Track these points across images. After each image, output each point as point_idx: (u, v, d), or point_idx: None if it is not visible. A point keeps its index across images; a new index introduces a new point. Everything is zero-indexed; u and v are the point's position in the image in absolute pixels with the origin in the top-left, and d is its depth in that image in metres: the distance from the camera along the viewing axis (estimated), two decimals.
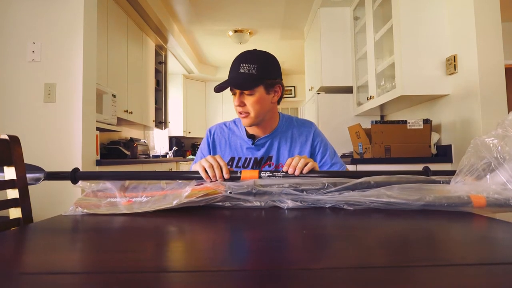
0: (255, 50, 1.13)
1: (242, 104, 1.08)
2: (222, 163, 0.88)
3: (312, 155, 1.20)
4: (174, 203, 0.75)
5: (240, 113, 1.10)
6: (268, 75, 1.08)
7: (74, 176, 0.90)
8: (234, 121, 1.26)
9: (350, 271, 0.39)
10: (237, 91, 1.08)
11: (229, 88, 1.08)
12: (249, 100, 1.07)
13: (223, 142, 1.22)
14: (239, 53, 1.11)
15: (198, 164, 0.89)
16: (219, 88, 1.06)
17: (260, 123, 1.14)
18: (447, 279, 0.36)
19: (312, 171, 0.89)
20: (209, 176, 0.86)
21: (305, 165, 0.89)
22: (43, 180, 0.89)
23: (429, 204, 0.70)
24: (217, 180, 0.85)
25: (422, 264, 0.40)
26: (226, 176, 0.86)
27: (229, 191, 0.79)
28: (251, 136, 1.18)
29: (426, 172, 0.87)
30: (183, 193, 0.77)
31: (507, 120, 0.72)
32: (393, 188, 0.75)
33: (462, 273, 0.38)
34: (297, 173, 0.88)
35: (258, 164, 1.16)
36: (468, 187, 0.71)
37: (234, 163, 1.17)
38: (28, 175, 0.86)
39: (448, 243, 0.52)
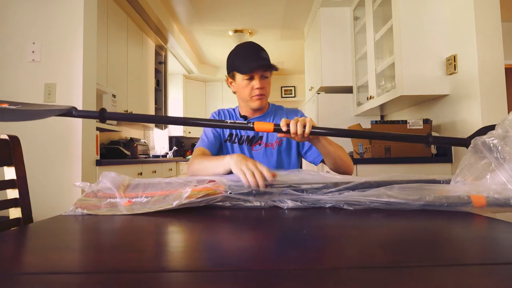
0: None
1: (264, 86, 1.22)
2: (264, 170, 0.81)
3: None
4: (174, 204, 0.75)
5: (261, 94, 1.22)
6: None
7: (103, 115, 0.94)
8: (232, 108, 1.40)
9: (350, 271, 0.39)
10: (257, 76, 1.20)
11: (235, 75, 1.23)
12: (266, 83, 1.22)
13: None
14: (244, 42, 1.26)
15: (238, 168, 0.84)
16: (257, 66, 1.17)
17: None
18: (447, 279, 0.36)
19: (313, 128, 0.94)
20: (248, 181, 0.80)
21: (304, 126, 0.94)
22: (73, 116, 0.92)
23: (429, 204, 0.70)
24: (258, 187, 0.80)
25: (422, 264, 0.40)
26: (270, 180, 0.80)
27: (229, 191, 0.79)
28: (243, 117, 1.32)
29: (427, 137, 0.90)
30: (183, 194, 0.77)
31: (507, 120, 0.72)
32: (393, 188, 0.75)
33: (462, 273, 0.38)
34: (300, 132, 0.92)
35: (250, 141, 1.28)
36: (468, 187, 0.71)
37: (232, 138, 1.30)
38: (59, 108, 0.91)
39: (448, 243, 0.52)
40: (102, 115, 0.94)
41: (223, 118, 1.35)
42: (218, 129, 1.33)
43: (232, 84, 1.29)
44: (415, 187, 0.74)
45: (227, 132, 1.31)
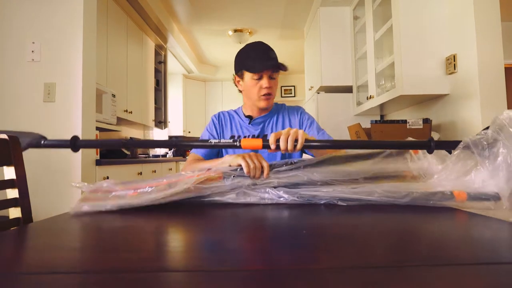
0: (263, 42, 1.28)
1: (271, 86, 1.23)
2: (265, 165, 0.88)
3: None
4: (184, 187, 0.79)
5: (269, 94, 1.23)
6: None
7: (74, 143, 0.87)
8: (233, 110, 1.39)
9: (350, 271, 0.39)
10: (265, 75, 1.21)
11: (243, 74, 1.24)
12: (273, 83, 1.23)
13: (226, 124, 1.35)
14: (253, 42, 1.26)
15: (241, 158, 0.90)
16: (267, 66, 1.18)
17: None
18: (447, 279, 0.36)
19: (306, 141, 0.87)
20: (249, 172, 0.87)
21: (295, 139, 0.85)
22: (42, 147, 0.85)
23: (415, 199, 0.75)
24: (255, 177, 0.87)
25: (422, 264, 0.40)
26: (265, 176, 0.86)
27: (232, 175, 0.85)
28: (248, 117, 1.32)
29: (429, 142, 0.82)
30: (189, 180, 0.81)
31: (498, 120, 0.73)
32: (383, 185, 0.80)
33: (462, 273, 0.38)
34: (290, 148, 0.85)
35: None
36: (452, 183, 0.76)
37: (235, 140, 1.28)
38: (26, 139, 0.84)
39: (447, 243, 0.52)
40: (74, 143, 0.87)
41: (223, 122, 1.35)
42: (215, 135, 1.33)
43: (240, 83, 1.29)
44: (403, 185, 0.80)
45: (228, 135, 1.32)
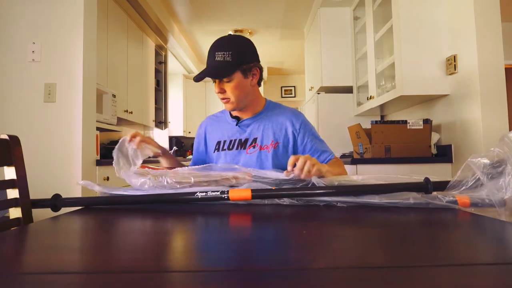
0: (229, 35, 1.14)
1: (222, 91, 1.11)
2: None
3: (295, 142, 1.19)
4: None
5: (222, 99, 1.13)
6: (244, 60, 1.10)
7: (55, 203, 0.85)
8: (221, 111, 1.32)
9: (350, 271, 0.39)
10: (217, 80, 1.11)
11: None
12: (228, 87, 1.10)
13: (211, 130, 1.28)
14: (214, 40, 1.12)
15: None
16: (198, 78, 1.09)
17: (243, 108, 1.18)
18: (447, 279, 0.36)
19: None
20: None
21: (312, 165, 0.86)
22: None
23: (417, 202, 0.74)
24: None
25: (422, 264, 0.40)
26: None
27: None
28: (235, 118, 1.22)
29: (426, 184, 0.78)
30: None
31: (506, 137, 0.72)
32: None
33: (462, 273, 0.38)
34: (303, 176, 0.85)
35: (243, 145, 1.18)
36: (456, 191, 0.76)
37: (220, 146, 1.22)
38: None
39: (448, 243, 0.52)
40: (54, 203, 0.86)
41: (209, 129, 1.29)
42: (199, 146, 1.31)
43: None
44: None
45: (213, 142, 1.24)
